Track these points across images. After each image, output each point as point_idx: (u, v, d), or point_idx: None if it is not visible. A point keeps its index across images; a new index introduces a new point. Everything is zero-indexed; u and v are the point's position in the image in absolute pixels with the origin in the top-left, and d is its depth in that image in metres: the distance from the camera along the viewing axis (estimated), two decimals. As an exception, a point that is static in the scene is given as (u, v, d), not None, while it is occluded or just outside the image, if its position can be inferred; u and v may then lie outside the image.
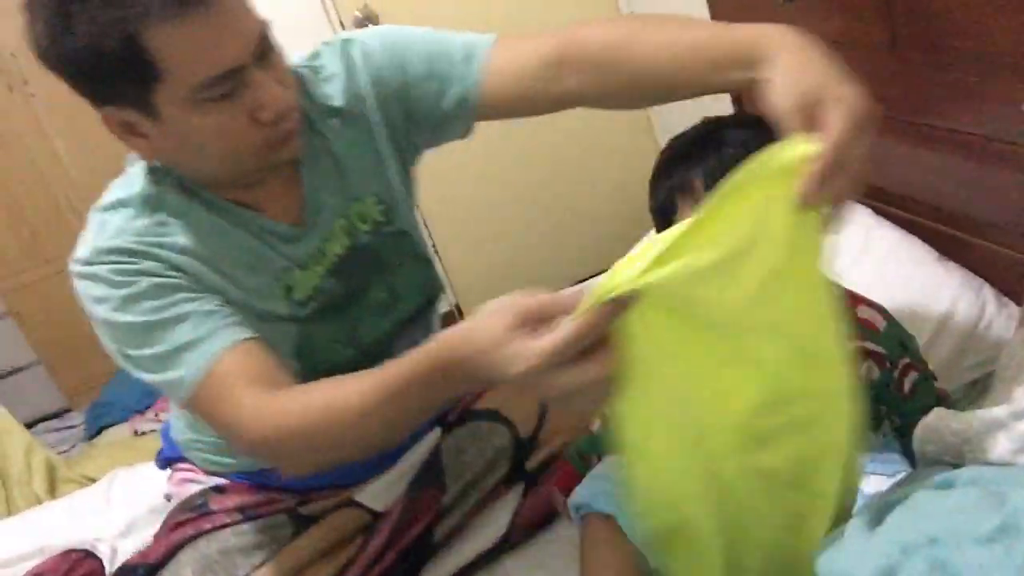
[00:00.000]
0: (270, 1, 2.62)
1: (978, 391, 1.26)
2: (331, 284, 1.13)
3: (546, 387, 0.70)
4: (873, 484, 0.98)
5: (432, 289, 1.26)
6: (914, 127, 1.40)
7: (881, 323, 1.02)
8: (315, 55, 1.15)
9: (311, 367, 1.11)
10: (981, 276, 1.39)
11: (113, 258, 0.99)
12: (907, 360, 1.02)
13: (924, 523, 0.74)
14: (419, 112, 1.14)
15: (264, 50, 0.94)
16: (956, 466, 0.88)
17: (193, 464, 1.30)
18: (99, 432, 2.65)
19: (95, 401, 2.81)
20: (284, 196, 1.09)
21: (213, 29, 0.88)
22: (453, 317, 2.99)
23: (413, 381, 0.83)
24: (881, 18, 1.35)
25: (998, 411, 0.84)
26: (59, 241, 2.95)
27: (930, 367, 1.26)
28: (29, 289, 2.99)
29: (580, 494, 1.12)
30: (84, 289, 1.01)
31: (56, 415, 3.15)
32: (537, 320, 0.71)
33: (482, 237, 2.90)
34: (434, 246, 2.92)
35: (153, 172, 1.05)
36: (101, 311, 1.00)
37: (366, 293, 1.16)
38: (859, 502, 0.94)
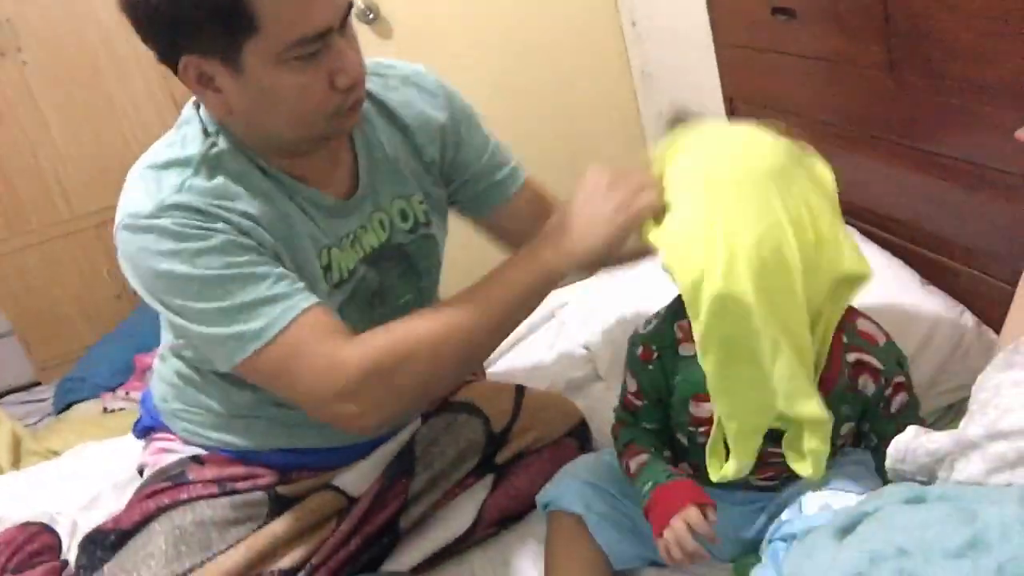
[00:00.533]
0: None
1: (953, 415, 1.26)
2: (365, 271, 1.15)
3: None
4: (842, 500, 0.98)
5: (437, 295, 1.31)
6: (906, 150, 1.41)
7: (881, 338, 1.02)
8: (389, 64, 1.23)
9: None
10: (963, 302, 1.40)
11: (181, 213, 0.99)
12: (901, 379, 1.02)
13: (894, 535, 0.74)
14: (460, 174, 1.26)
15: (346, 19, 0.99)
16: (927, 484, 0.88)
17: (173, 434, 1.28)
18: (68, 407, 2.61)
19: (66, 376, 2.78)
20: (333, 172, 1.13)
21: None
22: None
23: (528, 290, 1.03)
24: (879, 39, 1.36)
25: (973, 431, 0.84)
26: (42, 212, 2.91)
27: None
28: (7, 259, 2.95)
29: (548, 492, 1.12)
30: (143, 243, 1.00)
31: (25, 387, 3.11)
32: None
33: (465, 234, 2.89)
34: None
35: (208, 134, 1.05)
36: (164, 264, 0.99)
37: (395, 292, 1.20)
38: (825, 518, 0.94)
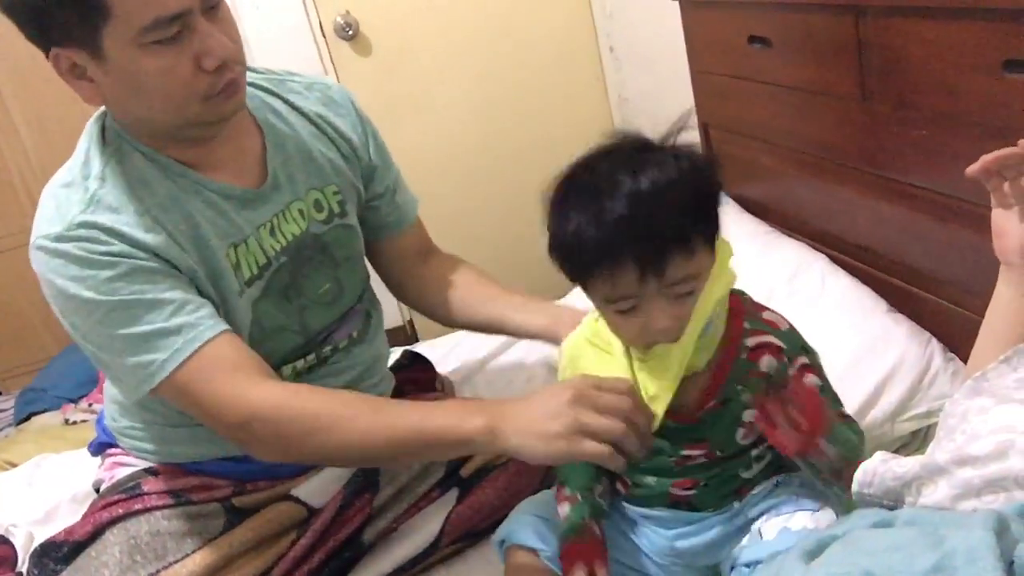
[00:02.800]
0: (254, 10, 2.66)
1: (920, 441, 1.27)
2: (280, 264, 1.15)
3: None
4: (799, 520, 0.98)
5: (366, 284, 1.33)
6: (876, 179, 1.43)
7: (784, 324, 1.02)
8: (292, 73, 1.27)
9: (261, 353, 1.12)
10: (929, 330, 1.42)
11: (87, 235, 1.00)
12: (805, 360, 1.00)
13: (861, 558, 0.74)
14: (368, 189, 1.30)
15: (214, 3, 1.00)
16: (893, 508, 0.89)
17: (127, 451, 1.27)
18: (28, 418, 2.56)
19: (27, 386, 2.72)
20: (241, 162, 1.14)
21: None
22: (404, 332, 2.97)
23: (438, 436, 0.99)
24: (852, 70, 1.38)
25: (940, 457, 0.85)
26: (9, 220, 2.87)
27: (873, 413, 1.29)
28: (-30, 267, 2.90)
29: (503, 529, 1.11)
30: (54, 267, 1.01)
31: (-14, 397, 3.05)
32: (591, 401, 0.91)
33: (430, 226, 2.88)
34: None
35: (107, 143, 1.07)
36: (73, 288, 1.01)
37: (314, 283, 1.20)
38: (787, 540, 0.94)
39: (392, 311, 2.93)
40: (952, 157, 1.24)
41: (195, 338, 1.02)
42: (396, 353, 1.61)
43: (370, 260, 1.37)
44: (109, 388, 1.27)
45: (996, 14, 1.06)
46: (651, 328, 0.91)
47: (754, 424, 0.98)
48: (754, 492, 1.03)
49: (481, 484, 1.29)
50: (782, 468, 1.05)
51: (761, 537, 0.98)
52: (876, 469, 0.91)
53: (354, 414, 1.02)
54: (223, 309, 1.10)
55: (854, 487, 0.93)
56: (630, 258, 0.86)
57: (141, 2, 0.93)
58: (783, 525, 0.97)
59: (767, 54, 1.63)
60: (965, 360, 1.36)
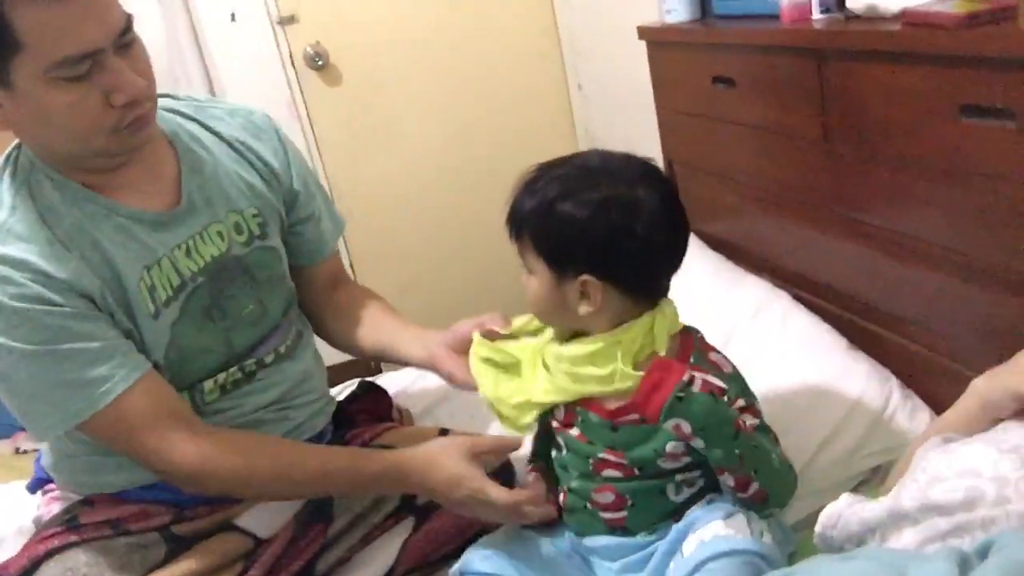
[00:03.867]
0: (224, 39, 2.66)
1: (880, 476, 1.28)
2: (197, 284, 1.16)
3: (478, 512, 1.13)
4: (711, 529, 1.00)
5: (292, 302, 1.34)
6: (837, 219, 1.45)
7: (728, 367, 1.07)
8: (215, 100, 1.30)
9: (180, 373, 1.15)
10: (889, 368, 1.44)
11: (4, 272, 1.00)
12: (744, 403, 1.05)
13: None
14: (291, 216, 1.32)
15: (127, 42, 1.01)
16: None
17: (62, 486, 1.25)
18: (-24, 446, 2.49)
19: (-23, 414, 2.65)
20: (150, 185, 1.14)
21: (77, 12, 0.94)
22: (368, 363, 2.93)
23: (359, 480, 1.14)
24: (814, 112, 1.41)
25: (906, 503, 0.84)
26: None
27: (833, 449, 1.30)
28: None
29: (461, 562, 1.11)
30: None
31: (-68, 425, 2.95)
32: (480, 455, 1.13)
33: (403, 280, 2.88)
34: (351, 265, 2.86)
35: (18, 172, 1.07)
36: None
37: (238, 303, 1.21)
38: (704, 550, 0.97)
39: (355, 342, 2.90)
40: (912, 199, 1.27)
41: (108, 391, 1.04)
42: (353, 384, 1.60)
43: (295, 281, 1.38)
44: None
45: (953, 60, 1.10)
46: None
47: (680, 455, 1.03)
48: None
49: (437, 512, 1.27)
50: (716, 491, 1.07)
51: (682, 556, 1.00)
52: (841, 512, 0.90)
53: (265, 466, 1.13)
54: (136, 333, 1.10)
55: (817, 528, 0.92)
56: (507, 219, 1.09)
57: (52, 39, 0.94)
58: (699, 539, 1.00)
59: (731, 94, 1.66)
60: (924, 398, 1.38)
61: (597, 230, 1.00)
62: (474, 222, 2.91)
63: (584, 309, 1.02)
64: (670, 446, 1.02)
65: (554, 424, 1.12)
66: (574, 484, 1.10)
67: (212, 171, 1.19)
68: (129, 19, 1.01)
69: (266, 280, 1.25)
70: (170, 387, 1.12)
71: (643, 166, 1.05)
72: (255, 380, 1.24)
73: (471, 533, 1.23)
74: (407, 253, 2.87)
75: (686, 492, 1.06)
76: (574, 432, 1.08)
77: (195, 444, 1.09)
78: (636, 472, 1.05)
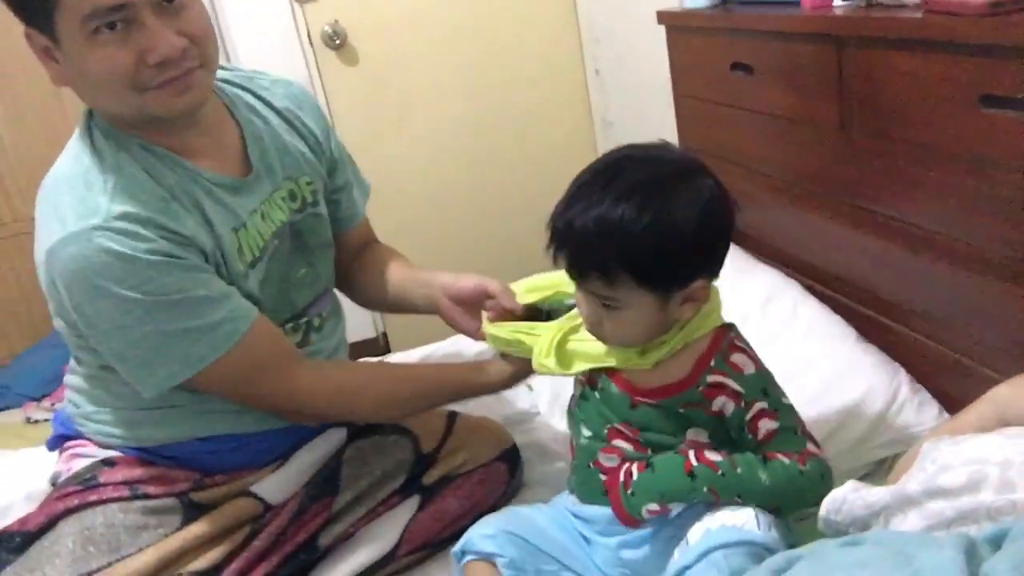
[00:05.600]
0: (243, 17, 2.66)
1: (886, 469, 1.27)
2: (275, 247, 1.20)
3: None
4: (719, 518, 0.99)
5: (333, 267, 1.39)
6: (851, 208, 1.44)
7: (750, 368, 1.04)
8: (255, 71, 1.32)
9: None
10: (898, 361, 1.42)
11: (123, 226, 1.02)
12: (763, 405, 1.02)
13: (828, 574, 0.73)
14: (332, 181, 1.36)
15: (176, 3, 1.02)
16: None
17: (86, 440, 1.25)
18: (-12, 414, 2.52)
19: (-11, 382, 2.68)
20: (223, 152, 1.17)
21: None
22: (377, 343, 2.95)
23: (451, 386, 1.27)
24: (832, 100, 1.40)
25: (911, 487, 0.84)
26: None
27: (839, 441, 1.29)
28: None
29: (463, 540, 1.12)
30: (91, 262, 1.01)
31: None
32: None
33: (411, 237, 2.88)
34: None
35: (104, 135, 1.09)
36: (114, 286, 1.01)
37: (292, 268, 1.25)
38: (710, 539, 0.96)
39: (366, 323, 2.91)
40: (928, 190, 1.25)
41: (233, 331, 1.08)
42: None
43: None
44: (71, 378, 1.26)
45: (973, 49, 1.08)
46: (581, 311, 1.05)
47: (699, 444, 1.03)
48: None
49: (443, 493, 1.28)
50: None
51: (688, 544, 1.00)
52: (846, 497, 0.90)
53: (375, 378, 1.27)
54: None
55: (821, 512, 0.92)
56: (564, 255, 1.00)
57: None
58: (705, 527, 0.99)
59: (749, 81, 1.65)
60: (933, 392, 1.37)
61: (708, 232, 0.97)
62: (488, 204, 2.91)
63: (689, 312, 1.01)
64: (690, 432, 1.03)
65: (580, 378, 1.12)
66: (583, 440, 1.10)
67: (269, 140, 1.23)
68: None
69: (317, 246, 1.30)
70: (276, 327, 1.18)
71: (674, 150, 1.04)
72: (304, 344, 1.27)
73: (476, 515, 1.23)
74: (421, 233, 2.87)
75: None
76: (596, 394, 1.09)
77: (316, 373, 1.19)
78: (648, 452, 1.05)
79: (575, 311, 1.12)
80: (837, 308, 1.56)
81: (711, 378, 1.02)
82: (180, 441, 1.20)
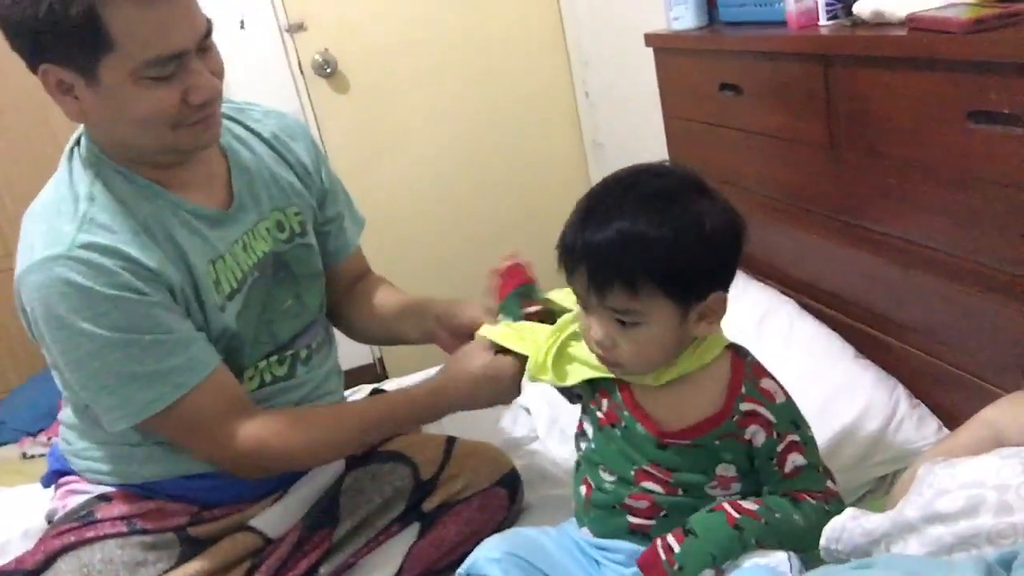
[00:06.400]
0: (234, 45, 2.68)
1: (887, 486, 1.27)
2: (255, 279, 1.19)
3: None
4: (750, 558, 0.97)
5: (324, 300, 1.37)
6: (843, 226, 1.45)
7: (780, 396, 1.04)
8: (250, 103, 1.33)
9: (233, 361, 1.17)
10: (896, 377, 1.42)
11: (87, 256, 1.02)
12: (794, 438, 1.02)
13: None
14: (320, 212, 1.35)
15: (206, 45, 1.06)
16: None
17: (80, 476, 1.25)
18: (-16, 450, 2.50)
19: (-15, 417, 2.66)
20: (209, 184, 1.18)
21: (168, 15, 0.99)
22: (374, 369, 2.94)
23: (416, 410, 1.23)
24: (821, 118, 1.41)
25: (910, 513, 0.84)
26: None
27: (839, 458, 1.29)
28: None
29: (465, 564, 1.10)
30: (51, 291, 1.02)
31: (-58, 429, 2.97)
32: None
33: (406, 263, 2.88)
34: None
35: (87, 165, 1.09)
36: (70, 317, 1.02)
37: (277, 299, 1.24)
38: None
39: (362, 349, 2.91)
40: (919, 205, 1.26)
41: (181, 385, 1.07)
42: (365, 390, 1.60)
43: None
44: (65, 413, 1.25)
45: (958, 66, 1.09)
46: (591, 336, 1.01)
47: (731, 480, 1.02)
48: None
49: (443, 519, 1.28)
50: None
51: None
52: (845, 525, 0.89)
53: (332, 432, 1.19)
54: (208, 324, 1.13)
55: (822, 542, 0.91)
56: (583, 270, 0.97)
57: (144, 40, 0.97)
58: (736, 566, 0.97)
59: (738, 101, 1.66)
60: (932, 407, 1.37)
61: (726, 240, 0.98)
62: (482, 229, 2.91)
63: (704, 329, 1.00)
64: (720, 467, 1.02)
65: (599, 415, 1.09)
66: (607, 485, 1.07)
67: (256, 170, 1.24)
68: (210, 23, 1.06)
69: (304, 276, 1.29)
70: (234, 379, 1.16)
71: (682, 166, 1.05)
72: (289, 377, 1.26)
73: (476, 541, 1.22)
74: (415, 260, 2.87)
75: None
76: (617, 433, 1.07)
77: (252, 426, 1.13)
78: (679, 492, 1.03)
79: (570, 315, 1.12)
80: (834, 325, 1.56)
81: (744, 406, 1.01)
82: (167, 479, 1.20)
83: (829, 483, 1.04)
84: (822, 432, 1.33)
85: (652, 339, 0.99)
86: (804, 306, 1.63)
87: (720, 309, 1.00)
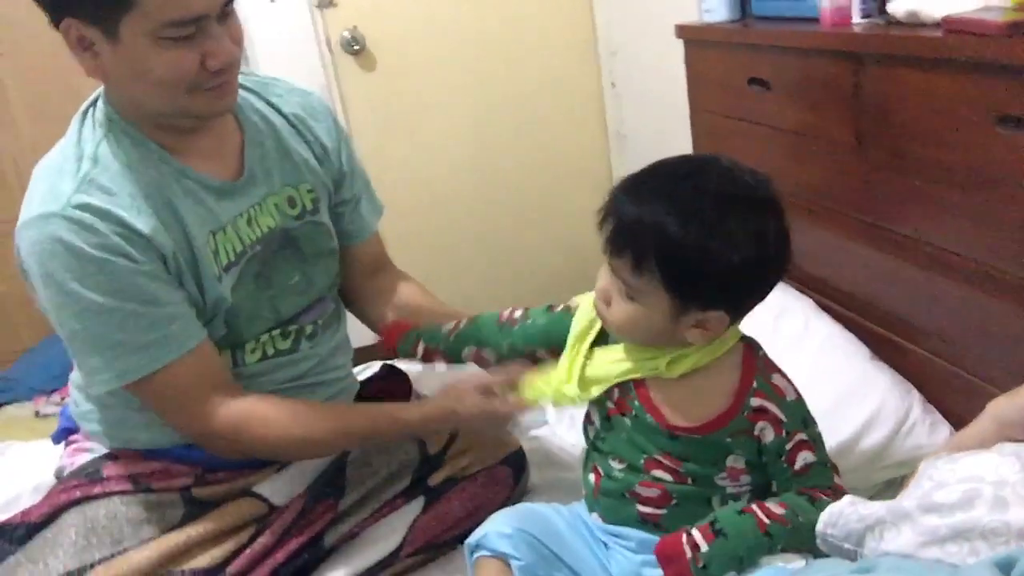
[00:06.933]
0: (263, 19, 2.68)
1: (895, 490, 1.26)
2: (254, 253, 1.18)
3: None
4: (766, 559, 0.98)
5: (336, 280, 1.36)
6: (865, 226, 1.44)
7: (791, 394, 1.04)
8: (276, 78, 1.33)
9: (232, 333, 1.17)
10: (911, 381, 1.42)
11: (79, 216, 1.02)
12: (803, 436, 1.02)
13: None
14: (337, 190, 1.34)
15: (227, 11, 1.05)
16: (853, 551, 0.88)
17: (88, 436, 1.27)
18: (-1, 407, 2.54)
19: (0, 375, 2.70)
20: (219, 154, 1.18)
21: None
22: (380, 349, 2.94)
23: (398, 427, 1.19)
24: (849, 118, 1.40)
25: (906, 503, 0.84)
26: (-2, 206, 2.86)
27: (850, 459, 1.28)
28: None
29: (475, 535, 1.10)
30: (43, 247, 1.03)
31: (-43, 384, 3.00)
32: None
33: (421, 270, 2.89)
34: None
35: (98, 125, 1.10)
36: (59, 274, 1.03)
37: (283, 274, 1.24)
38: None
39: (367, 329, 2.91)
40: (942, 208, 1.25)
41: (159, 357, 1.08)
42: (375, 366, 1.61)
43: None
44: (74, 375, 1.26)
45: (990, 69, 1.08)
46: (596, 286, 1.04)
47: (740, 473, 1.02)
48: None
49: (448, 494, 1.29)
50: None
51: None
52: (843, 510, 0.90)
53: (311, 429, 1.16)
54: (200, 296, 1.13)
55: (818, 527, 0.93)
56: (611, 224, 0.98)
57: (165, 3, 0.98)
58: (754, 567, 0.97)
59: (765, 96, 1.65)
60: (945, 414, 1.36)
61: (751, 272, 0.96)
62: (501, 214, 2.91)
63: (694, 338, 1.00)
64: (730, 459, 1.02)
65: (609, 405, 1.09)
66: (617, 473, 1.07)
67: (272, 144, 1.23)
68: None
69: (312, 254, 1.28)
70: (218, 356, 1.16)
71: (763, 178, 0.98)
72: (293, 351, 1.26)
73: (479, 517, 1.22)
74: (433, 240, 2.87)
75: (731, 506, 1.04)
76: (627, 422, 1.07)
77: (234, 406, 1.13)
78: (689, 481, 1.03)
79: (577, 328, 1.11)
80: (850, 326, 1.55)
81: (755, 401, 1.01)
82: (167, 446, 1.20)
83: (836, 479, 1.04)
84: (833, 432, 1.32)
85: (641, 318, 0.99)
86: (821, 305, 1.63)
87: (717, 328, 0.99)
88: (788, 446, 1.01)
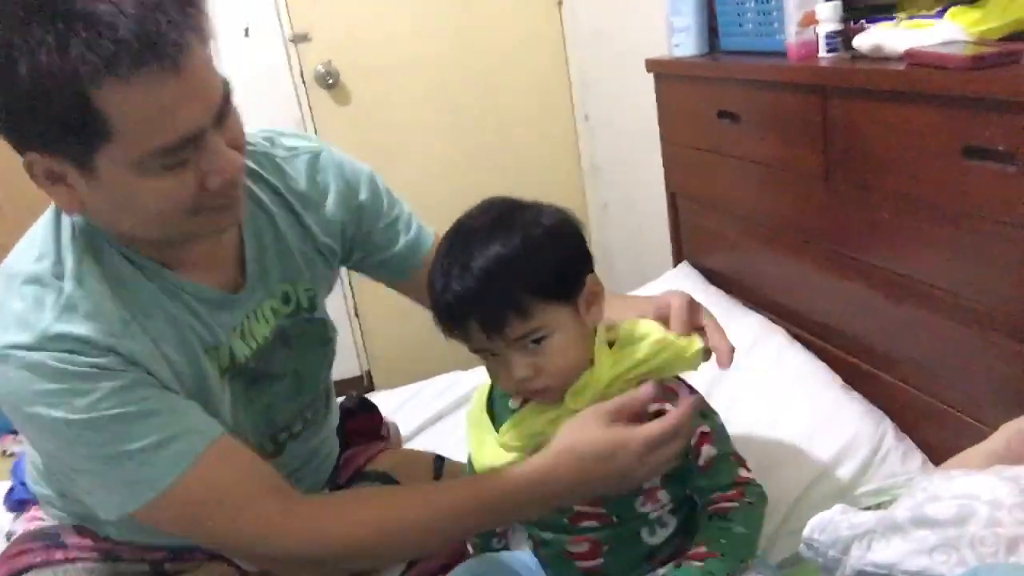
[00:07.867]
0: (235, 53, 2.69)
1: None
2: (251, 366, 1.07)
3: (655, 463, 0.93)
4: None
5: (329, 366, 1.25)
6: (835, 256, 1.45)
7: (685, 392, 1.04)
8: (272, 137, 1.14)
9: None
10: (883, 409, 1.42)
11: (65, 346, 0.87)
12: (704, 428, 1.02)
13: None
14: (371, 242, 1.21)
15: (223, 113, 0.86)
16: (837, 561, 0.88)
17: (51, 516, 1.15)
18: (-38, 448, 2.47)
19: (-35, 414, 2.64)
20: (215, 260, 1.03)
21: (174, 92, 0.79)
22: (361, 382, 2.93)
23: (507, 499, 0.95)
24: (817, 149, 1.41)
25: (899, 514, 0.84)
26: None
27: (823, 489, 1.28)
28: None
29: None
30: (14, 380, 0.86)
31: (-79, 424, 2.94)
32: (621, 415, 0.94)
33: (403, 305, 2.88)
34: (355, 307, 2.88)
35: (77, 234, 0.93)
36: (39, 407, 0.87)
37: (273, 379, 1.11)
38: None
39: (350, 361, 2.90)
40: (911, 239, 1.26)
41: (188, 451, 0.90)
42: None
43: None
44: (29, 448, 1.13)
45: (955, 102, 1.10)
46: (512, 376, 0.98)
47: (656, 492, 1.02)
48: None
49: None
50: (689, 533, 1.05)
51: None
52: (833, 518, 0.90)
53: (397, 518, 0.97)
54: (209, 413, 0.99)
55: (805, 532, 0.92)
56: (474, 322, 0.95)
57: (148, 127, 0.80)
58: None
59: (735, 129, 1.67)
60: (918, 442, 1.37)
61: (570, 229, 1.01)
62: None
63: (596, 313, 1.00)
64: (648, 483, 1.01)
65: None
66: (547, 537, 1.06)
67: (271, 239, 1.08)
68: (227, 86, 0.87)
69: (304, 348, 1.15)
70: (251, 452, 0.97)
71: (489, 200, 1.08)
72: (281, 454, 1.15)
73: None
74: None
75: (660, 534, 1.04)
76: None
77: (298, 505, 0.95)
78: (614, 520, 1.03)
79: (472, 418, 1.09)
80: (822, 355, 1.56)
81: (653, 406, 0.98)
82: (142, 544, 1.09)
83: (742, 471, 1.04)
84: (807, 462, 1.33)
85: (565, 343, 0.97)
86: (793, 335, 1.63)
87: (599, 288, 1.01)
88: (692, 441, 1.01)
